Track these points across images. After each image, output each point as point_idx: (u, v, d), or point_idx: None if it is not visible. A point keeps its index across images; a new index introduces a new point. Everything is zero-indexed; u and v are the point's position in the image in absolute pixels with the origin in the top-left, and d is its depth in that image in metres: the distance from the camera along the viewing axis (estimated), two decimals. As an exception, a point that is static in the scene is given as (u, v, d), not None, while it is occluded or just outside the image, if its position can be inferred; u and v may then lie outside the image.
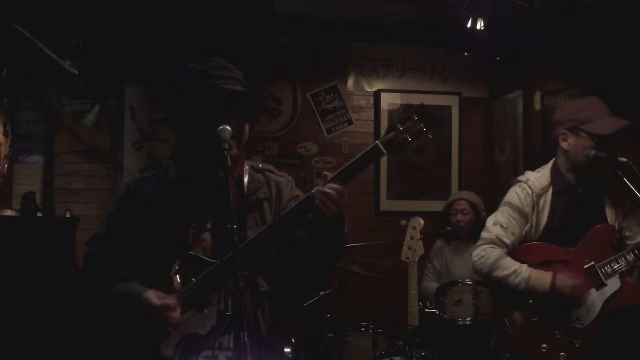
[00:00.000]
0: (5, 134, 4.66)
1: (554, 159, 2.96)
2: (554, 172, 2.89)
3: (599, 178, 2.89)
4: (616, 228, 2.87)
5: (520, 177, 2.97)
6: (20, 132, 4.92)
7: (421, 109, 2.05)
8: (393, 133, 2.03)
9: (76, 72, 4.57)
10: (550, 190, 2.85)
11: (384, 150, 2.01)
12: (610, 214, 2.87)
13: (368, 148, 2.04)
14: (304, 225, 2.09)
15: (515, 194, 2.88)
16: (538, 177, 2.90)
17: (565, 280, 2.72)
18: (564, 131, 2.85)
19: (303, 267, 2.24)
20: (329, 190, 1.97)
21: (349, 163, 2.03)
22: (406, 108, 2.08)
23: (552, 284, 2.71)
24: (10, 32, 4.26)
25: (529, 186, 2.87)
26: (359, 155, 2.03)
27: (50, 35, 4.57)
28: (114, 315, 2.20)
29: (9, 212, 4.61)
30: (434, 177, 5.64)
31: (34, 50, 4.38)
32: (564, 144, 2.85)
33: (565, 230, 2.81)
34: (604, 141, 2.78)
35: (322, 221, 2.01)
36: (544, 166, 2.98)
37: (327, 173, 2.03)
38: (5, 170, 4.71)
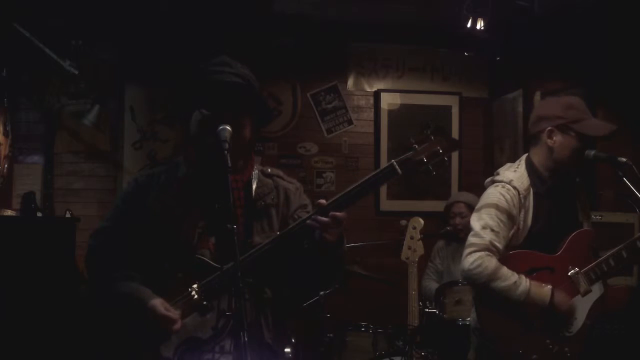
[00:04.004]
0: (5, 134, 4.66)
1: (525, 156, 2.90)
2: (531, 171, 2.82)
3: (571, 178, 2.87)
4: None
5: (499, 178, 2.84)
6: (20, 132, 4.92)
7: (440, 130, 2.03)
8: (410, 153, 2.02)
9: (76, 72, 4.57)
10: (532, 191, 2.79)
11: (399, 170, 1.99)
12: (581, 218, 2.87)
13: (383, 167, 2.02)
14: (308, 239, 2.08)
15: (501, 196, 2.75)
16: (519, 177, 2.80)
17: (563, 300, 2.69)
18: (551, 128, 2.79)
19: (306, 276, 2.22)
20: (325, 220, 1.96)
21: (364, 179, 2.02)
22: (425, 127, 2.06)
23: (551, 301, 2.67)
24: (10, 32, 4.26)
25: (514, 187, 2.76)
26: (375, 172, 2.02)
27: (50, 35, 4.57)
28: (114, 314, 2.19)
29: (9, 212, 4.60)
30: (434, 177, 5.60)
31: (34, 50, 4.38)
32: (549, 141, 2.79)
33: (547, 233, 2.77)
34: (590, 142, 2.75)
35: (319, 244, 2.01)
36: (515, 165, 2.90)
37: (322, 201, 2.00)
38: (5, 170, 4.70)
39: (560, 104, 2.86)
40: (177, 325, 2.05)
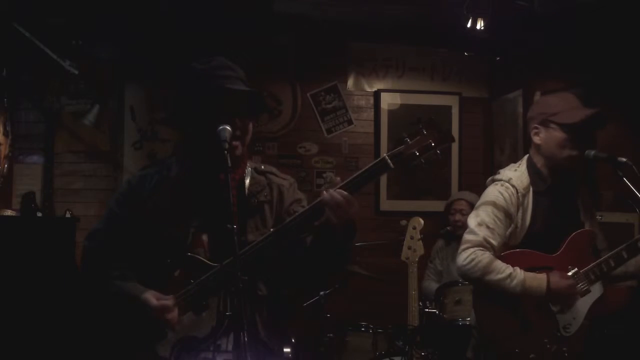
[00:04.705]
0: (5, 134, 4.66)
1: (526, 156, 2.92)
2: (532, 170, 2.84)
3: (572, 177, 2.87)
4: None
5: (499, 176, 2.86)
6: (20, 132, 4.92)
7: (431, 123, 2.03)
8: (402, 147, 2.00)
9: (76, 72, 4.57)
10: (531, 190, 2.80)
11: (391, 164, 1.98)
12: (583, 218, 2.87)
13: (375, 161, 2.01)
14: (310, 231, 2.08)
15: (500, 194, 2.77)
16: (519, 176, 2.82)
17: (560, 280, 2.68)
18: (535, 126, 2.82)
19: (305, 271, 2.23)
20: (339, 197, 1.95)
21: (355, 174, 2.01)
22: (416, 121, 2.05)
23: (548, 286, 2.66)
24: (10, 32, 4.26)
25: (513, 185, 2.78)
26: (366, 167, 2.01)
27: (50, 35, 4.57)
28: (111, 313, 2.20)
29: (9, 212, 4.61)
30: (434, 177, 5.64)
31: (34, 50, 4.38)
32: (536, 139, 2.82)
33: (546, 232, 2.77)
34: (576, 132, 2.73)
35: (329, 228, 2.00)
36: (516, 165, 2.91)
37: (336, 178, 2.01)
38: (5, 170, 4.70)
39: (544, 101, 2.92)
40: (173, 314, 2.06)
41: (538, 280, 2.67)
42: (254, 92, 2.16)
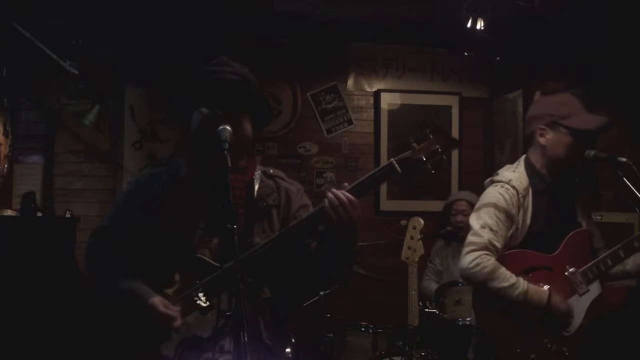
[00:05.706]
0: (5, 134, 4.66)
1: (524, 156, 2.91)
2: (530, 171, 2.83)
3: (571, 177, 2.88)
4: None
5: (498, 177, 2.86)
6: (20, 132, 4.92)
7: (438, 129, 2.04)
8: (409, 152, 2.01)
9: (76, 72, 4.57)
10: (530, 190, 2.80)
11: (398, 169, 1.99)
12: (580, 218, 2.87)
13: (382, 165, 2.02)
14: (315, 236, 2.08)
15: (500, 195, 2.77)
16: (518, 177, 2.81)
17: (561, 304, 2.70)
18: (542, 127, 2.81)
19: (309, 276, 2.23)
20: (342, 196, 1.97)
21: (362, 178, 2.02)
22: (424, 126, 2.07)
23: (548, 302, 2.68)
24: (10, 32, 4.26)
25: (513, 186, 2.78)
26: (373, 171, 2.02)
27: (50, 35, 4.57)
28: (115, 312, 2.19)
29: (9, 212, 4.61)
30: (434, 177, 5.62)
31: (34, 50, 4.38)
32: (541, 140, 2.81)
33: (546, 232, 2.77)
34: (583, 137, 2.75)
35: (334, 232, 2.00)
36: (514, 166, 2.91)
37: (346, 184, 2.03)
38: (5, 170, 4.71)
39: (550, 102, 2.89)
40: (177, 323, 2.06)
41: (540, 295, 2.69)
42: (242, 83, 2.13)
